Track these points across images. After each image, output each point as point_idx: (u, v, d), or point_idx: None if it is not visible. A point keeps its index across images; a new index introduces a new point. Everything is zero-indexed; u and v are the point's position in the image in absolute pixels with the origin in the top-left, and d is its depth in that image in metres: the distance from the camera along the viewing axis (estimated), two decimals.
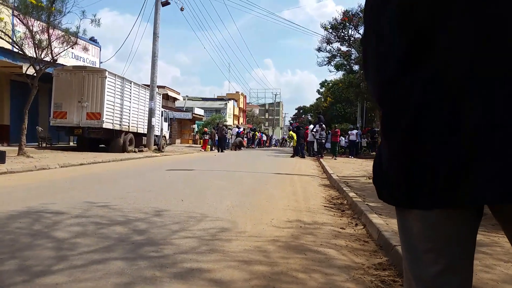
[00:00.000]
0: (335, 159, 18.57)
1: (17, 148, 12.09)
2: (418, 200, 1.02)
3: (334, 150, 20.05)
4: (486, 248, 3.47)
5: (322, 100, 45.31)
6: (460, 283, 1.05)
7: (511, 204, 0.95)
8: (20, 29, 12.70)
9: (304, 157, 20.42)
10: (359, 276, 2.92)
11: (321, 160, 17.15)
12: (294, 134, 21.68)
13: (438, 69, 0.98)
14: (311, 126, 21.73)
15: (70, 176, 8.52)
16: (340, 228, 4.51)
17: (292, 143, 22.35)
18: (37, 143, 17.27)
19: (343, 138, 24.14)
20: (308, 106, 59.32)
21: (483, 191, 0.94)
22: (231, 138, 30.17)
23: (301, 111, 69.95)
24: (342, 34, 24.70)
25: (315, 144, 21.27)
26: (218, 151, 24.44)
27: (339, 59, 26.85)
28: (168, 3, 19.93)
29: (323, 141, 20.29)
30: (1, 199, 5.44)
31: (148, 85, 19.89)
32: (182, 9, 21.27)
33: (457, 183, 0.96)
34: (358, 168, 13.05)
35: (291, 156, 20.93)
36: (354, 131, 22.94)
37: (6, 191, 6.17)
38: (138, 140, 19.23)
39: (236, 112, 63.55)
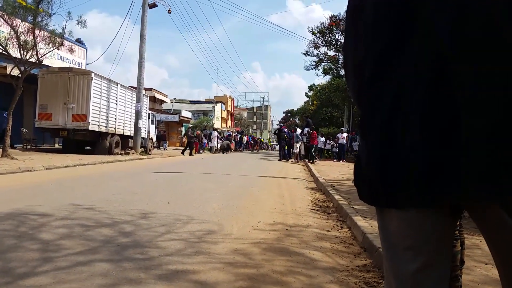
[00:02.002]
0: (311, 162, 17.96)
1: (0, 150, 11.90)
2: (396, 199, 1.05)
3: (310, 154, 19.30)
4: (467, 251, 3.54)
5: (310, 103, 45.59)
6: (438, 280, 1.08)
7: (485, 202, 0.99)
8: (5, 29, 12.53)
9: (287, 160, 20.37)
10: (343, 278, 2.96)
11: (308, 163, 17.11)
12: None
13: (410, 71, 1.02)
14: (299, 130, 21.61)
15: (55, 178, 8.42)
16: (326, 230, 4.57)
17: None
18: (21, 145, 17.02)
19: (329, 142, 24.30)
20: (296, 109, 59.57)
21: (457, 190, 0.97)
22: (212, 141, 29.95)
23: (288, 114, 70.24)
24: (329, 38, 24.98)
25: (302, 147, 21.20)
26: (183, 153, 23.36)
27: (326, 63, 27.10)
28: (156, 6, 19.88)
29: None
30: None
31: (135, 87, 19.77)
32: (169, 12, 21.22)
33: (431, 182, 0.99)
34: (344, 172, 13.17)
35: (278, 160, 20.93)
36: (344, 134, 22.89)
37: None
38: (125, 143, 19.08)
39: (224, 115, 63.49)
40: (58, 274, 2.70)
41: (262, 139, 52.00)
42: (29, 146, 17.08)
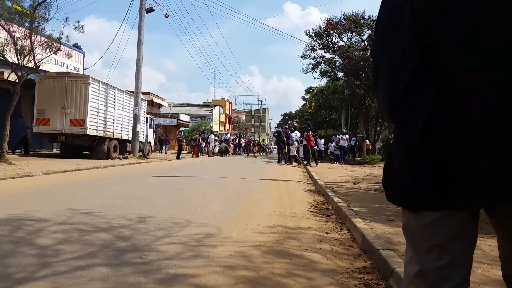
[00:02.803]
0: (309, 165, 17.36)
1: None
2: (429, 202, 1.13)
3: (307, 156, 18.62)
4: None
5: (308, 106, 45.64)
6: (461, 278, 1.14)
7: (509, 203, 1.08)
8: (1, 35, 12.52)
9: (286, 163, 20.30)
10: (343, 280, 2.96)
11: (307, 166, 16.96)
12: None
13: (445, 83, 1.08)
14: (297, 133, 21.47)
15: (53, 183, 8.40)
16: (325, 233, 4.56)
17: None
18: (19, 150, 16.97)
19: (331, 144, 23.77)
20: (294, 112, 59.63)
21: (484, 194, 1.07)
22: (210, 144, 29.91)
23: (287, 117, 70.24)
24: (326, 41, 24.99)
25: (300, 149, 21.13)
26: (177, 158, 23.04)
27: (323, 66, 27.14)
28: (153, 10, 19.91)
29: (316, 148, 19.81)
30: None
31: (132, 92, 19.77)
32: (166, 16, 21.29)
33: (461, 187, 1.08)
34: (343, 174, 13.17)
35: (277, 162, 20.88)
36: (345, 136, 22.57)
37: None
38: (123, 147, 19.04)
39: (222, 119, 63.52)
40: (57, 279, 2.68)
41: (262, 141, 50.98)
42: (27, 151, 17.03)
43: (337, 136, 23.25)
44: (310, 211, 6.02)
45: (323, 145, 23.33)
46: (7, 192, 6.91)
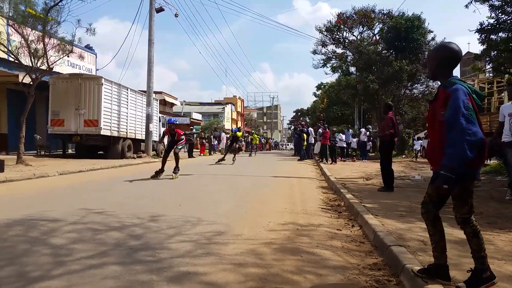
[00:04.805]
0: (325, 163, 16.97)
1: (15, 156, 12.10)
2: None
3: (324, 153, 17.98)
4: None
5: (319, 102, 45.42)
6: None
7: None
8: (15, 38, 12.73)
9: (301, 160, 20.25)
10: (354, 277, 2.95)
11: (321, 163, 16.68)
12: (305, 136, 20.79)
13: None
14: (311, 129, 21.31)
15: (68, 183, 8.54)
16: (337, 229, 4.54)
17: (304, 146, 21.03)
18: (35, 151, 17.27)
19: (351, 139, 21.42)
20: (306, 108, 59.36)
21: None
22: (221, 142, 30.00)
23: (299, 113, 69.99)
24: (337, 36, 24.84)
25: (316, 147, 20.92)
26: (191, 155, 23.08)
27: (334, 61, 26.97)
28: (163, 10, 19.98)
29: (336, 144, 18.64)
30: (0, 207, 5.47)
31: (145, 91, 19.92)
32: (176, 15, 21.33)
33: None
34: (356, 170, 13.09)
35: (298, 160, 20.57)
36: (363, 130, 21.03)
37: (4, 200, 6.20)
38: (137, 146, 19.23)
39: (234, 116, 63.59)
40: (71, 278, 2.74)
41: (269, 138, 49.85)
42: (42, 152, 17.33)
43: (349, 130, 22.23)
44: (322, 208, 6.01)
45: (344, 142, 20.72)
46: (24, 192, 7.05)
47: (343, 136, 20.60)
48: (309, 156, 20.84)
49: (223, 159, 16.94)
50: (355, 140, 21.49)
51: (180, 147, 10.06)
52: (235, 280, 2.80)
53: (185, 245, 3.63)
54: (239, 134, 17.71)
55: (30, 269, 2.90)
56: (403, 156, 21.91)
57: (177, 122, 9.21)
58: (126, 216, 4.87)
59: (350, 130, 21.70)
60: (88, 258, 3.19)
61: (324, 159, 17.67)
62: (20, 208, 5.35)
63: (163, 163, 9.78)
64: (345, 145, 20.58)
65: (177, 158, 9.89)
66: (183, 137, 9.98)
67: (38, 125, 18.89)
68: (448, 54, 2.64)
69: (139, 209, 5.38)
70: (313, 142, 21.09)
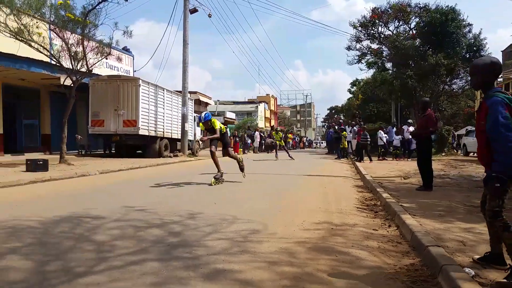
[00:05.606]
0: (361, 161, 16.54)
1: (58, 156, 12.68)
2: None
3: (359, 152, 17.55)
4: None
5: (354, 99, 44.62)
6: None
7: None
8: (57, 42, 13.32)
9: (339, 159, 20.09)
10: (390, 277, 2.91)
11: (356, 162, 16.24)
12: (345, 133, 20.54)
13: None
14: (347, 127, 21.05)
15: (109, 182, 8.86)
16: (373, 229, 4.48)
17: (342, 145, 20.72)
18: (77, 151, 18.01)
19: (396, 137, 19.23)
20: (340, 106, 58.51)
21: None
22: (256, 141, 30.15)
23: (333, 111, 69.11)
24: (372, 31, 24.31)
25: (352, 145, 20.64)
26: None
27: (369, 57, 26.42)
28: (196, 11, 20.27)
29: (368, 143, 17.62)
30: (46, 205, 5.77)
31: (180, 91, 20.32)
32: (210, 16, 21.58)
33: None
34: (393, 169, 12.81)
35: (336, 158, 20.51)
36: (411, 128, 17.62)
37: (49, 198, 6.53)
38: (173, 145, 19.68)
39: (268, 115, 63.66)
40: (112, 273, 2.86)
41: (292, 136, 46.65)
42: (83, 152, 18.04)
43: (393, 128, 20.27)
44: (357, 207, 5.93)
45: (385, 139, 19.46)
46: (68, 191, 7.39)
47: (383, 134, 19.45)
48: (346, 155, 20.58)
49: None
50: (398, 137, 19.41)
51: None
52: (269, 278, 2.83)
53: (221, 243, 3.70)
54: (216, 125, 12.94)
55: (74, 265, 3.05)
56: (443, 154, 21.14)
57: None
58: (165, 214, 5.02)
59: (394, 128, 20.34)
60: (129, 254, 3.32)
61: (359, 157, 17.38)
62: (65, 205, 5.63)
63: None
64: (382, 143, 19.31)
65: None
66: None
67: (79, 125, 19.72)
68: (494, 69, 2.88)
69: (178, 207, 5.52)
70: (350, 140, 20.83)
